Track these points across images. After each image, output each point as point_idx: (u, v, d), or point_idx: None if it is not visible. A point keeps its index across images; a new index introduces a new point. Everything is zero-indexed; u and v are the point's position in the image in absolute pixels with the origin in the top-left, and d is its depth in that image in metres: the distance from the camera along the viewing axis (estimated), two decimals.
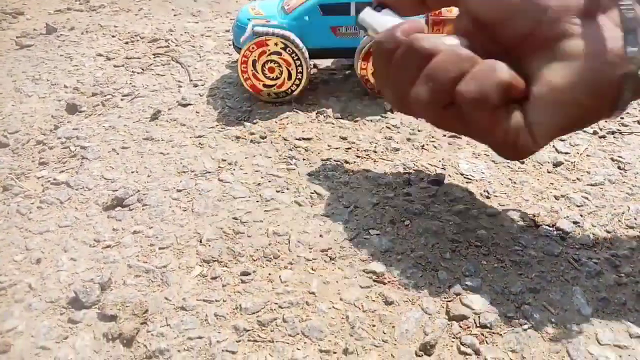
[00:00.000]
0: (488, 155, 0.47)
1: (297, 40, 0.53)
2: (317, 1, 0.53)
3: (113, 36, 0.77)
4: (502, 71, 0.32)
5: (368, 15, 0.41)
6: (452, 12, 0.55)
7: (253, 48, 0.53)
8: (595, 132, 0.49)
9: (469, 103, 0.32)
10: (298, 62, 0.54)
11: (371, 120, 0.53)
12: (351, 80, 0.60)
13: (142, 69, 0.67)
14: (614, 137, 0.48)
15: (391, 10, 0.40)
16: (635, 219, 0.39)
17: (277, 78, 0.55)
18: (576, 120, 0.32)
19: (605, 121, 0.51)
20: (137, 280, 0.36)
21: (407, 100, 0.35)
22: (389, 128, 0.52)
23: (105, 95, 0.61)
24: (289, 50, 0.53)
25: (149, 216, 0.42)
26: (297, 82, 0.55)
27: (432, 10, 0.43)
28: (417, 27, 0.36)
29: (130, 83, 0.63)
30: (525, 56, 0.33)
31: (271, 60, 0.54)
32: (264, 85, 0.55)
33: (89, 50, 0.73)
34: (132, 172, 0.48)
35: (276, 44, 0.53)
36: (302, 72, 0.54)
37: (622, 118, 0.51)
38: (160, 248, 0.39)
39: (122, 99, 0.60)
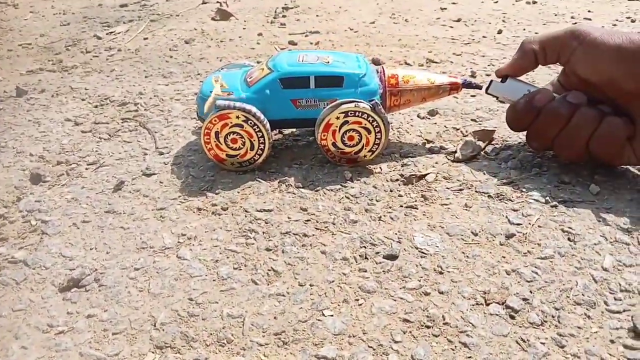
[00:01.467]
0: (443, 227, 0.48)
1: (259, 113, 0.54)
2: (277, 75, 0.55)
3: (83, 99, 0.78)
4: (620, 129, 0.49)
5: (496, 86, 0.57)
6: (408, 83, 0.58)
7: (215, 121, 0.54)
8: (547, 202, 0.50)
9: (597, 155, 0.51)
10: (260, 134, 0.55)
11: (331, 190, 0.54)
12: (314, 147, 0.62)
13: (109, 135, 0.67)
14: (565, 207, 0.50)
15: (513, 79, 0.56)
16: (582, 294, 0.40)
17: (239, 148, 0.56)
18: None
19: (558, 189, 0.52)
20: None
21: (549, 147, 0.54)
22: (348, 198, 0.53)
23: (70, 164, 0.61)
24: (251, 123, 0.54)
25: (104, 298, 0.42)
26: (260, 152, 0.56)
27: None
28: (549, 95, 0.52)
29: (97, 151, 0.64)
30: (631, 103, 0.49)
31: (234, 132, 0.55)
32: (227, 155, 0.56)
33: (57, 115, 0.73)
34: (91, 249, 0.48)
35: (238, 117, 0.54)
36: (264, 143, 0.56)
37: (573, 186, 0.52)
38: (113, 333, 0.39)
39: (86, 168, 0.60)
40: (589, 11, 1.15)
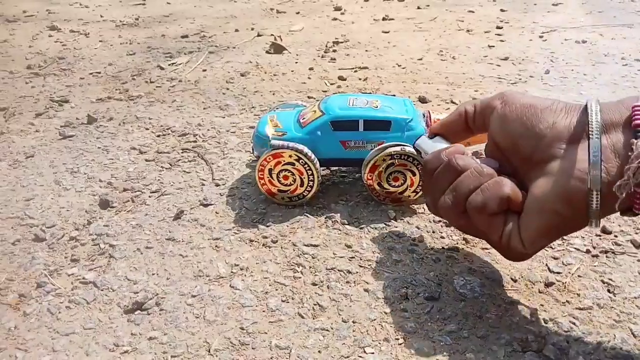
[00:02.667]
0: (483, 272, 0.50)
1: (310, 153, 0.58)
2: (329, 118, 0.58)
3: (147, 128, 0.85)
4: (506, 186, 0.41)
5: (423, 141, 0.53)
6: None
7: (269, 159, 0.58)
8: (588, 251, 0.51)
9: (471, 210, 0.42)
10: (310, 172, 0.59)
11: (375, 228, 0.57)
12: (359, 184, 0.65)
13: (170, 165, 0.73)
14: (607, 257, 0.50)
15: (442, 137, 0.52)
16: (620, 348, 0.41)
17: (290, 184, 0.60)
18: (556, 227, 0.39)
19: (600, 238, 0.53)
20: None
21: (438, 206, 0.45)
22: (391, 237, 0.55)
23: (135, 192, 0.67)
24: (302, 162, 0.58)
25: (164, 322, 0.46)
26: (309, 188, 0.60)
27: (475, 134, 0.50)
28: (457, 150, 0.46)
29: (159, 179, 0.69)
30: (527, 174, 0.41)
31: (286, 170, 0.59)
32: (279, 190, 0.60)
33: (124, 143, 0.80)
34: (153, 274, 0.52)
35: (290, 156, 0.58)
36: (313, 180, 0.59)
37: (615, 236, 0.53)
38: (172, 356, 0.43)
39: (150, 196, 0.66)
40: None
